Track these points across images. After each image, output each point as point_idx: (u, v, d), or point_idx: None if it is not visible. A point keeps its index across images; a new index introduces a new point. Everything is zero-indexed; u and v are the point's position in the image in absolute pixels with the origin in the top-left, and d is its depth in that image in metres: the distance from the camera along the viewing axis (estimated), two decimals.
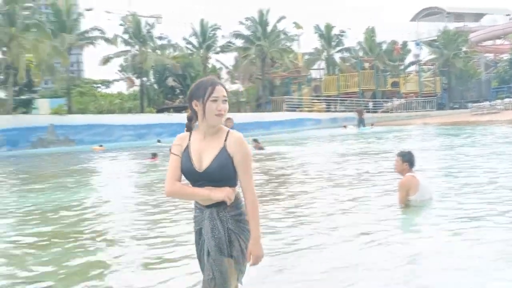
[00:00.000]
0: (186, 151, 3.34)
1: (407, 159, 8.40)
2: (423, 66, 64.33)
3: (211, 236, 3.21)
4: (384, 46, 63.76)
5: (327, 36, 60.86)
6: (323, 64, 63.66)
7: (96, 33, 50.25)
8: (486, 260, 5.50)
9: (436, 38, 64.94)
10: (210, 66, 60.18)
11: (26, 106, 49.31)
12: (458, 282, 5.01)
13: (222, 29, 59.08)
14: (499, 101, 50.05)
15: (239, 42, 58.34)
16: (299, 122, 49.54)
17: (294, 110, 52.59)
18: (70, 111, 46.33)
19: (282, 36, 56.55)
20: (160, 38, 56.93)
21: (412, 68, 68.08)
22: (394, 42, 64.42)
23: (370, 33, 62.99)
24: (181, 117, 50.46)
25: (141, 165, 20.70)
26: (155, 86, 62.78)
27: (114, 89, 66.91)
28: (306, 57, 62.76)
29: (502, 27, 69.45)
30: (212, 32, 58.81)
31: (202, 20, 58.92)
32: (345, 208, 8.82)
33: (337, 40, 61.69)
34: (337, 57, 62.69)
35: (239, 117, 50.49)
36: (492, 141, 22.05)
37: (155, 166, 19.28)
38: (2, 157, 32.56)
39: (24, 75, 41.87)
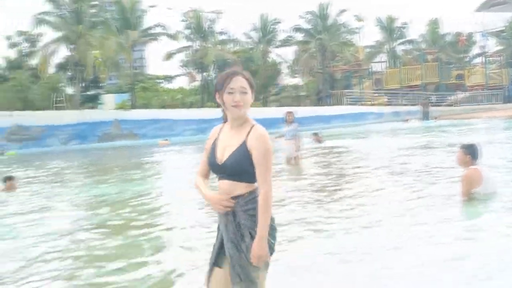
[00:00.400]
0: (214, 144, 3.40)
1: (470, 151, 8.16)
2: (490, 58, 62.02)
3: (225, 231, 3.23)
4: (448, 38, 61.96)
5: (389, 29, 59.78)
6: (384, 57, 62.57)
7: (159, 30, 51.37)
8: None
9: (503, 28, 62.47)
10: (270, 60, 60.26)
11: (92, 102, 51.01)
12: None
13: (282, 23, 58.94)
14: None
15: (299, 36, 58.21)
16: (360, 116, 48.90)
17: (355, 104, 51.95)
18: (134, 106, 47.61)
19: (343, 29, 55.97)
20: (221, 33, 57.48)
21: (478, 60, 65.77)
22: (458, 34, 62.47)
23: (434, 24, 61.38)
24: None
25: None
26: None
27: (176, 84, 68.20)
28: (367, 50, 61.83)
29: None
30: (273, 26, 58.85)
31: (262, 15, 59.04)
32: (408, 203, 8.68)
33: (399, 33, 60.52)
34: (399, 49, 61.48)
35: (299, 111, 50.45)
36: None
37: None
38: (72, 150, 33.88)
39: (91, 71, 43.36)
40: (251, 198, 3.20)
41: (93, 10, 44.91)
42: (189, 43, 54.48)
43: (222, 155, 3.29)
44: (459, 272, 5.06)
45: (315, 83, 59.23)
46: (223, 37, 57.68)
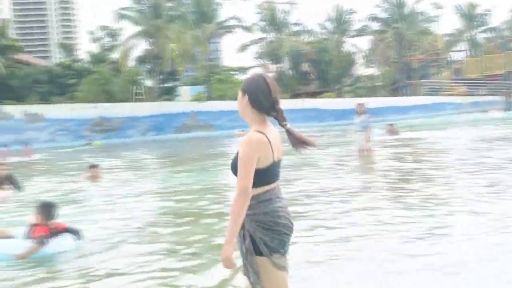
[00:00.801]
0: None
1: None
2: None
3: (237, 238, 3.25)
4: None
5: (469, 16, 57.46)
6: (464, 46, 60.24)
7: (234, 22, 51.93)
8: None
9: None
10: (344, 50, 59.53)
11: (169, 94, 52.37)
12: None
13: (357, 12, 58.04)
14: None
15: (375, 25, 57.12)
16: (438, 106, 47.46)
17: (433, 94, 50.43)
18: (209, 98, 48.47)
19: (420, 17, 54.39)
20: (295, 24, 57.38)
21: None
22: None
23: None
24: (314, 103, 50.73)
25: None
26: (290, 72, 63.46)
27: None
28: (446, 38, 59.69)
29: None
30: (347, 16, 58.08)
31: (337, 5, 58.37)
32: (485, 196, 8.41)
33: (481, 20, 58.01)
34: (480, 37, 58.99)
35: (374, 102, 49.52)
36: None
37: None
38: (150, 141, 35.01)
39: (168, 64, 44.53)
40: (253, 203, 3.19)
41: (171, 4, 46.06)
42: (264, 35, 54.81)
43: None
44: None
45: (391, 73, 57.96)
46: (297, 28, 57.59)
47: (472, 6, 57.43)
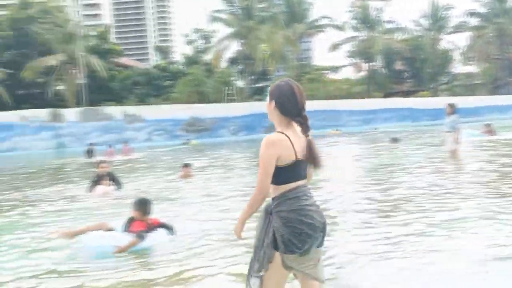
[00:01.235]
0: None
1: None
2: None
3: (258, 224, 3.47)
4: None
5: None
6: None
7: (325, 21, 51.73)
8: None
9: None
10: (440, 48, 57.47)
11: (260, 94, 52.98)
12: None
13: (455, 8, 55.87)
14: None
15: (473, 21, 54.75)
16: None
17: None
18: None
19: None
20: (389, 21, 56.17)
21: None
22: None
23: None
24: (410, 102, 49.38)
25: (372, 149, 20.94)
26: (383, 70, 62.18)
27: (341, 74, 68.09)
28: None
29: None
30: (444, 12, 56.04)
31: (432, 1, 56.50)
32: None
33: None
34: None
35: (473, 101, 47.50)
36: None
37: (390, 149, 19.30)
38: (241, 141, 35.55)
39: (260, 64, 45.08)
40: (281, 201, 3.35)
41: (262, 5, 46.58)
42: (356, 33, 54.10)
43: None
44: None
45: (491, 71, 55.28)
46: (391, 25, 56.33)
47: None
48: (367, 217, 7.61)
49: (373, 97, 51.53)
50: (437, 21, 56.10)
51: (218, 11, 46.66)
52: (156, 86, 51.48)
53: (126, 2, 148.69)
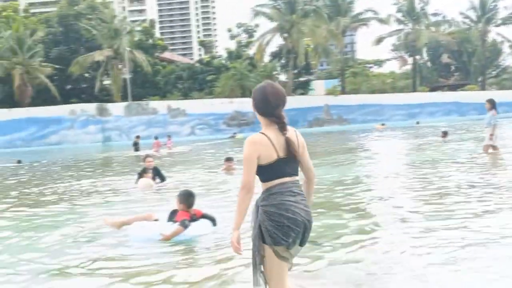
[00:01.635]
0: None
1: None
2: None
3: (251, 224, 3.68)
4: None
5: None
6: None
7: (369, 14, 51.09)
8: None
9: None
10: (489, 40, 56.00)
11: (303, 88, 52.84)
12: None
13: None
14: None
15: None
16: None
17: None
18: (343, 92, 48.16)
19: None
20: (435, 14, 55.11)
21: None
22: None
23: None
24: (456, 96, 48.35)
25: (414, 144, 20.68)
26: (428, 64, 61.06)
27: (386, 68, 67.23)
28: None
29: None
30: (493, 3, 54.52)
31: None
32: None
33: None
34: None
35: None
36: None
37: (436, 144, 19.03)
38: None
39: (303, 58, 44.93)
40: (265, 196, 3.58)
41: None
42: (400, 26, 53.25)
43: None
44: None
45: None
46: (437, 18, 55.22)
47: None
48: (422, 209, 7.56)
49: (418, 91, 50.69)
50: (486, 13, 54.64)
51: (261, 5, 46.74)
52: (199, 80, 52.02)
53: None
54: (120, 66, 47.21)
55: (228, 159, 14.10)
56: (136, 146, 26.30)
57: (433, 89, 54.22)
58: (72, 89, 52.72)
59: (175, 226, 6.46)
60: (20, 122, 39.26)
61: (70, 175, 16.70)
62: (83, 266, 5.68)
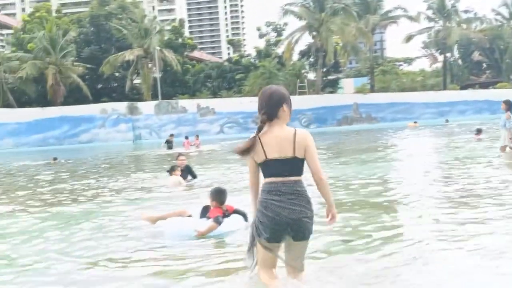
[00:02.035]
0: None
1: None
2: None
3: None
4: None
5: None
6: None
7: (399, 12, 50.62)
8: None
9: None
10: None
11: (332, 86, 52.65)
12: None
13: None
14: None
15: None
16: None
17: None
18: (372, 90, 47.87)
19: None
20: (466, 11, 54.33)
21: None
22: None
23: None
24: (488, 94, 47.57)
25: (443, 142, 20.55)
26: (459, 61, 60.25)
27: (416, 66, 66.53)
28: None
29: None
30: None
31: None
32: None
33: None
34: None
35: None
36: None
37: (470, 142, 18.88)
38: (312, 133, 35.24)
39: (331, 57, 44.79)
40: (260, 191, 4.02)
41: None
42: (431, 24, 52.70)
43: None
44: None
45: None
46: (468, 15, 54.44)
47: None
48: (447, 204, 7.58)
49: (448, 89, 50.09)
50: None
51: (290, 4, 46.75)
52: (228, 79, 52.32)
53: None
54: (150, 65, 47.78)
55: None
56: (169, 144, 26.72)
57: (464, 87, 53.50)
58: (103, 88, 53.58)
59: (209, 223, 6.63)
60: (53, 121, 40.11)
61: (102, 173, 17.08)
62: (118, 259, 5.86)
